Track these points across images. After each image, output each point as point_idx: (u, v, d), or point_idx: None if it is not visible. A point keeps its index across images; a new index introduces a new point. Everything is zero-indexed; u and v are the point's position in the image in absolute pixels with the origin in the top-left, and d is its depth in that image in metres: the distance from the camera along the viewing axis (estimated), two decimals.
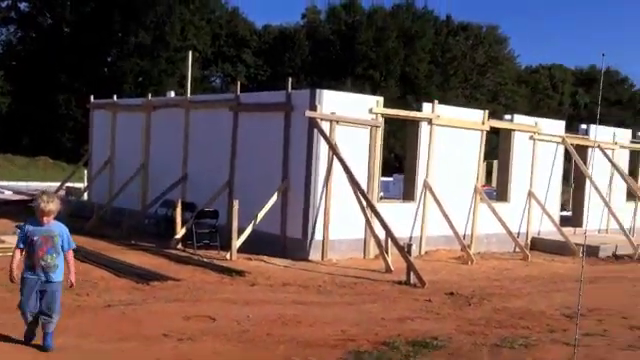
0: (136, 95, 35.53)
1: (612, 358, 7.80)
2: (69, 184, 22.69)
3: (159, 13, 45.45)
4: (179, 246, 14.44)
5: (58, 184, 22.64)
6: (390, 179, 24.81)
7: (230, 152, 15.75)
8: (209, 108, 17.02)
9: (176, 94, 20.10)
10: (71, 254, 6.72)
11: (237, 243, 13.42)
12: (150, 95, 19.43)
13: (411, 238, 14.82)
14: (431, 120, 15.64)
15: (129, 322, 8.16)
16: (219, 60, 53.42)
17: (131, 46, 45.92)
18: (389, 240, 13.21)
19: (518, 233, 17.27)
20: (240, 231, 13.55)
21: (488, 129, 16.88)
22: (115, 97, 20.55)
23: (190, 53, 18.91)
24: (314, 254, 13.86)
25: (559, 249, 17.01)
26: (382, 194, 18.12)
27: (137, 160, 18.41)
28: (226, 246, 13.66)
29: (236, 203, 13.67)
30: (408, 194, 15.90)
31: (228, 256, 13.26)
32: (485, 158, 17.95)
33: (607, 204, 19.10)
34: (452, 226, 15.27)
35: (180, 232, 14.59)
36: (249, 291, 10.54)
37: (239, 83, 16.71)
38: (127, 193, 18.05)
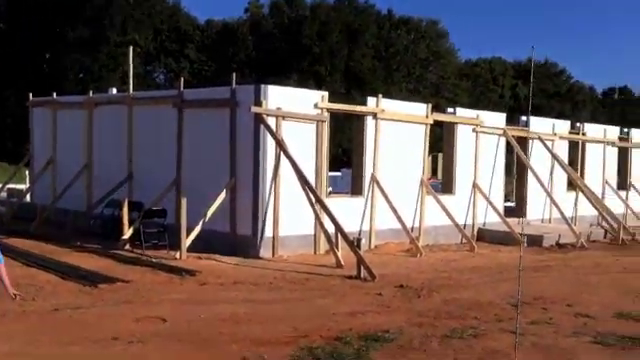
0: (77, 92, 34.68)
1: (558, 345, 8.03)
2: (11, 185, 22.02)
3: (97, 6, 44.41)
4: (127, 247, 14.20)
5: None
6: (338, 174, 24.91)
7: (176, 149, 15.55)
8: (152, 105, 16.75)
9: (118, 91, 19.71)
10: (3, 268, 5.89)
11: (186, 242, 13.28)
12: (91, 92, 19.00)
13: (360, 232, 14.93)
14: (376, 114, 15.77)
15: (77, 326, 8.01)
16: (162, 55, 52.64)
17: (70, 41, 44.73)
18: (339, 235, 13.28)
19: (464, 224, 17.59)
20: (189, 230, 13.41)
21: (432, 122, 17.13)
22: (55, 94, 20.02)
23: (131, 48, 18.55)
24: (264, 251, 13.83)
25: (504, 239, 17.37)
26: (331, 189, 18.20)
27: (80, 159, 18.00)
28: (175, 245, 13.49)
29: (184, 201, 13.52)
30: (356, 189, 16.01)
31: (178, 255, 13.11)
32: (430, 151, 18.20)
33: (549, 194, 19.65)
34: (400, 219, 15.45)
35: (127, 232, 14.34)
36: (200, 290, 10.46)
37: (182, 79, 16.50)
38: (71, 193, 17.61)
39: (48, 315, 8.48)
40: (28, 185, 21.70)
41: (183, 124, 15.50)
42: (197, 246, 13.41)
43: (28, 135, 21.07)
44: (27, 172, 22.45)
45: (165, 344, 7.41)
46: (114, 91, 19.52)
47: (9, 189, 21.86)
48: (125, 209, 14.68)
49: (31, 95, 20.78)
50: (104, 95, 19.33)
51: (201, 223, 13.62)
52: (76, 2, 43.63)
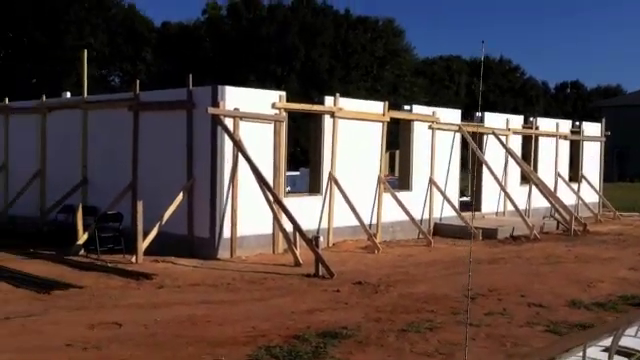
0: (31, 97, 34.03)
1: (511, 335, 8.20)
2: None
3: (53, 11, 43.67)
4: (81, 252, 13.96)
5: None
6: (297, 173, 24.93)
7: (132, 153, 15.39)
8: (108, 108, 16.54)
9: (73, 95, 19.41)
10: None
11: (143, 246, 13.15)
12: (45, 97, 18.66)
13: (319, 230, 14.98)
14: (333, 113, 15.85)
15: (30, 334, 7.88)
16: (118, 59, 51.97)
17: (25, 46, 43.92)
18: (297, 234, 13.31)
19: (421, 220, 17.77)
20: (146, 233, 13.28)
21: (389, 120, 17.27)
22: (7, 100, 19.64)
23: (85, 51, 18.30)
24: (223, 252, 13.78)
25: (460, 233, 17.61)
26: (289, 188, 18.21)
27: (34, 165, 17.69)
28: (132, 250, 13.34)
29: (140, 204, 13.38)
30: (314, 187, 16.06)
31: (134, 259, 12.96)
32: (387, 148, 18.34)
33: (503, 188, 19.98)
34: (358, 216, 15.55)
35: (82, 238, 14.10)
36: (156, 294, 10.36)
37: (138, 81, 16.32)
38: (24, 200, 17.31)
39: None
40: None
41: (139, 127, 15.34)
42: (154, 250, 13.28)
43: None
44: None
45: (121, 349, 7.34)
46: (68, 95, 19.21)
47: None
48: (79, 214, 14.42)
49: None
50: (58, 100, 18.97)
51: (158, 226, 13.51)
52: (32, 7, 42.84)
